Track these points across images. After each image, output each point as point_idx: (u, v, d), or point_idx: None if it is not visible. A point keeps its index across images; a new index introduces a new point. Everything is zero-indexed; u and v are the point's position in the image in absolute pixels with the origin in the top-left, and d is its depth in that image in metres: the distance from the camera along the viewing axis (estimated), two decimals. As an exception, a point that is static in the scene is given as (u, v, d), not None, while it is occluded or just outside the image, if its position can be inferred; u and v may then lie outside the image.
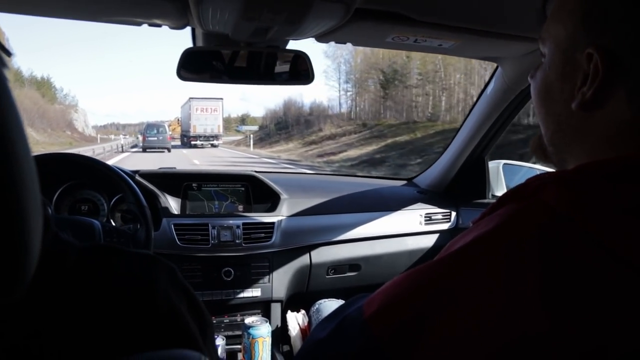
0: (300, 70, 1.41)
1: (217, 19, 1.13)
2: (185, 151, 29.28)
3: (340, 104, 46.59)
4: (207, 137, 35.74)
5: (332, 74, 58.52)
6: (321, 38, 1.30)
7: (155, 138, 30.26)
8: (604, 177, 0.46)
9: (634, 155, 0.47)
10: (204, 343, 0.46)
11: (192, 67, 1.39)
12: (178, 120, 53.06)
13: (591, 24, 0.51)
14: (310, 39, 1.32)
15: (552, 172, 0.52)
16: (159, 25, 1.24)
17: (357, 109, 42.79)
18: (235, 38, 1.29)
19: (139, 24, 1.24)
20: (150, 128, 31.51)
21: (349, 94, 44.84)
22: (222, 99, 36.56)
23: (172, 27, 1.25)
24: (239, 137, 65.43)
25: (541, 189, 0.49)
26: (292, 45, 1.39)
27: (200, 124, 35.31)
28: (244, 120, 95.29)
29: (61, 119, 61.95)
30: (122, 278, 0.44)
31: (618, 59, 0.48)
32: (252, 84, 1.51)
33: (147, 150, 29.98)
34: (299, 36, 1.28)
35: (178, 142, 42.25)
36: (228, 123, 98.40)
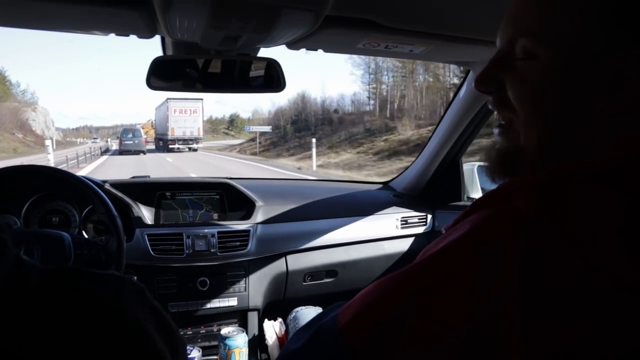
0: (272, 78, 1.40)
1: (185, 28, 1.11)
2: (193, 174, 14.47)
3: (373, 98, 37.29)
4: (186, 141, 34.39)
5: (360, 61, 41.25)
6: (292, 45, 1.29)
7: (131, 142, 30.59)
8: (574, 182, 0.46)
9: (603, 159, 0.47)
10: None
11: (162, 75, 1.37)
12: (152, 123, 49.65)
13: (629, 22, 0.47)
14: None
15: (524, 177, 0.52)
16: (127, 35, 1.22)
17: (404, 102, 33.73)
18: (205, 46, 1.27)
19: (106, 34, 1.22)
20: (126, 132, 31.77)
21: (383, 85, 36.21)
22: (202, 99, 35.09)
23: (140, 37, 1.23)
24: (234, 140, 56.78)
25: (513, 194, 0.48)
26: (265, 52, 1.39)
27: (179, 127, 33.87)
28: (232, 121, 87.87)
29: (11, 118, 50.79)
30: (87, 301, 0.43)
31: None
32: (226, 92, 1.50)
33: (124, 153, 29.97)
34: (269, 44, 1.27)
35: (152, 146, 39.96)
36: (215, 125, 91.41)
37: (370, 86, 38.19)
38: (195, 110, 34.63)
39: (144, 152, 30.22)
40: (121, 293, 0.46)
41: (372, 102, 37.89)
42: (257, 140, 37.46)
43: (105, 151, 36.12)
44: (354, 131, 31.53)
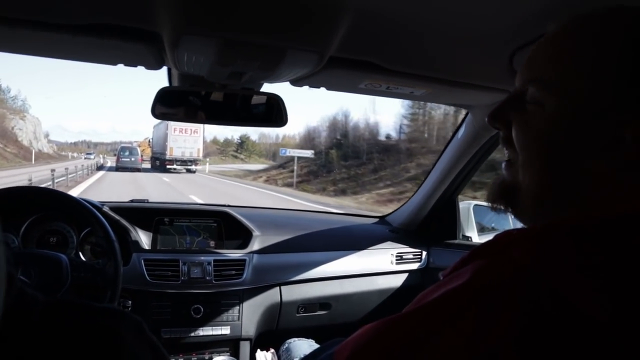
0: (274, 113, 1.43)
1: (192, 62, 1.14)
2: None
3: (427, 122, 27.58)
4: (184, 162, 32.57)
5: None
6: (296, 82, 1.32)
7: (128, 159, 31.10)
8: (566, 235, 0.48)
9: (595, 214, 0.49)
10: None
11: (167, 105, 1.39)
12: (149, 141, 45.76)
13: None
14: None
15: (521, 228, 0.54)
16: (135, 66, 1.25)
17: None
18: (211, 80, 1.30)
19: (115, 64, 1.25)
20: (123, 150, 32.17)
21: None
22: (204, 119, 33.44)
23: (148, 68, 1.26)
24: (249, 165, 51.79)
25: (510, 245, 0.50)
26: (268, 86, 1.41)
27: (178, 147, 31.92)
28: (242, 143, 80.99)
29: (-10, 125, 45.29)
30: (87, 334, 0.44)
31: None
32: (228, 124, 1.52)
33: (120, 169, 30.34)
34: (273, 81, 1.30)
35: (148, 165, 37.63)
36: (223, 146, 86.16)
37: (425, 109, 28.57)
38: (196, 130, 32.73)
39: (139, 170, 30.53)
40: (120, 327, 0.47)
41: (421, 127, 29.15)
42: (295, 168, 29.10)
43: (100, 168, 35.02)
44: (427, 162, 22.01)
